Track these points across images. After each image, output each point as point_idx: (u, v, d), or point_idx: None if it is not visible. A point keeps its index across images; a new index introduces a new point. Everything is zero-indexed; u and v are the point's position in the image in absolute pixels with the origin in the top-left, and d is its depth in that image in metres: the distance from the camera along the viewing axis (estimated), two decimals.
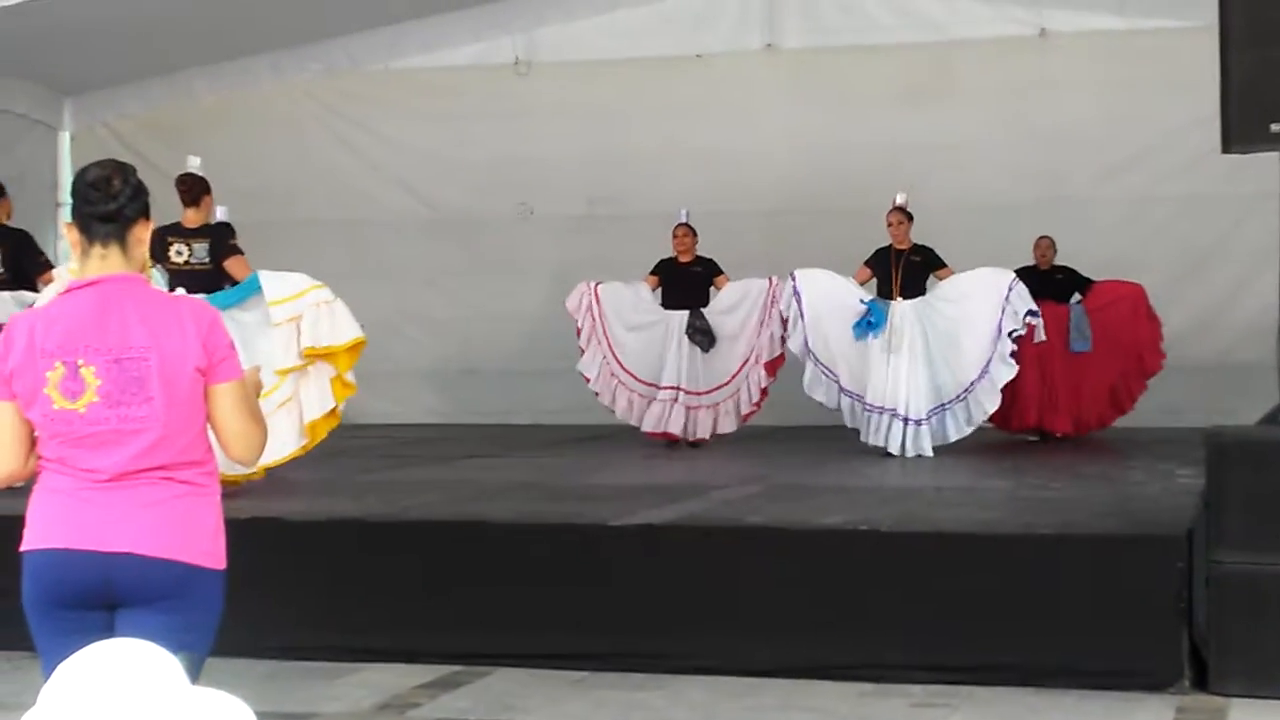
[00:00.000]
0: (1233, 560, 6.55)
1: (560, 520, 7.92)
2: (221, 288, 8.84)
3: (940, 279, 11.01)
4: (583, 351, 11.64)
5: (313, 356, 8.63)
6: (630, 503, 8.38)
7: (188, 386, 3.55)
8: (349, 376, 8.79)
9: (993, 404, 10.72)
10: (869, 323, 10.71)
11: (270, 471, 8.69)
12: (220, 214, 10.52)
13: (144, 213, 3.67)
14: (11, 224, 10.03)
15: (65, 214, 14.62)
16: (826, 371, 10.87)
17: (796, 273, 10.98)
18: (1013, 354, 10.64)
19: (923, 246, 11.00)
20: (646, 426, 11.56)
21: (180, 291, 8.29)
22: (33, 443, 3.60)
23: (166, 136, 14.38)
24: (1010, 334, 10.60)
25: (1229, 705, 6.40)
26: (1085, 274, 12.00)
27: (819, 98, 13.48)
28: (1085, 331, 11.74)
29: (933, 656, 6.78)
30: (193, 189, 9.10)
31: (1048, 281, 11.77)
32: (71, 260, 3.68)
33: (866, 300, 10.87)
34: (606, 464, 10.27)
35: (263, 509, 8.00)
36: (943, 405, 10.66)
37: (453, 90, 14.20)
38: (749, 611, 7.06)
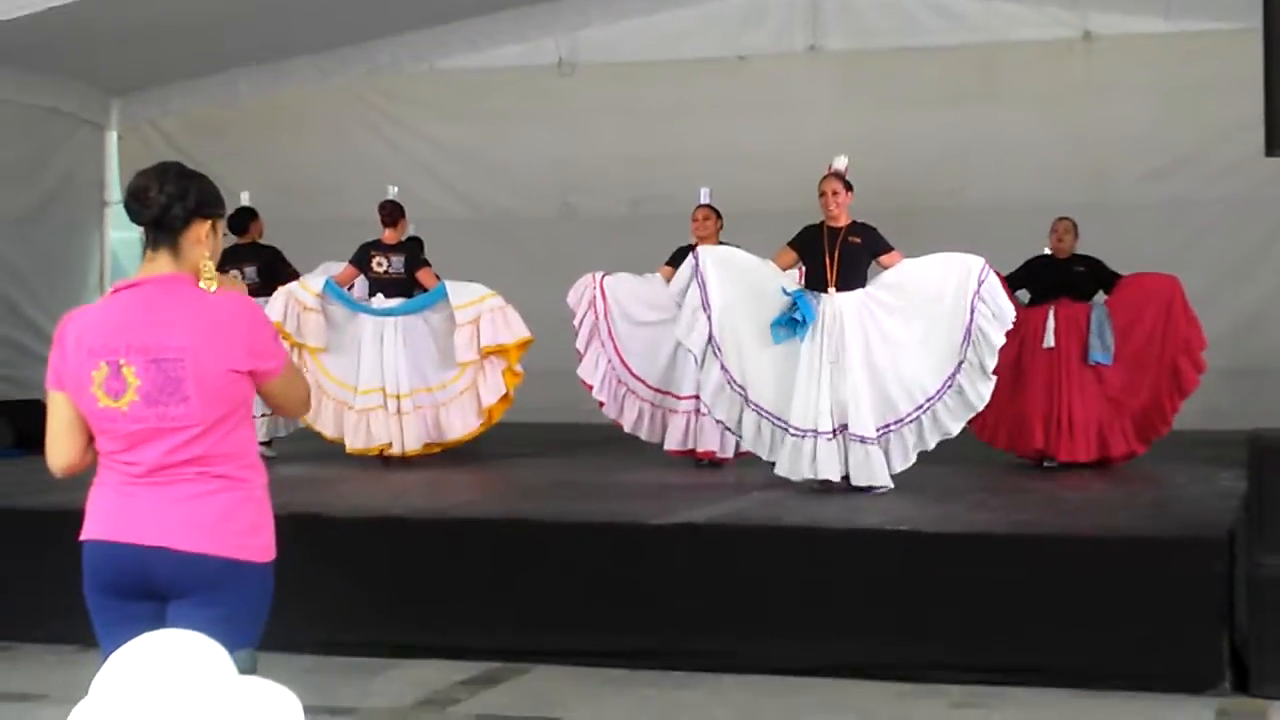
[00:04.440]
0: (1274, 563, 6.54)
1: (601, 519, 7.96)
2: (413, 293, 10.52)
3: (885, 266, 8.90)
4: (580, 355, 10.44)
5: (488, 352, 10.29)
6: (670, 502, 8.42)
7: (224, 385, 3.60)
8: (518, 367, 10.40)
9: (957, 425, 8.69)
10: (794, 320, 8.65)
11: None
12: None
13: (198, 212, 3.69)
14: (262, 241, 11.34)
15: (111, 213, 14.77)
16: (732, 381, 8.78)
17: (701, 250, 9.12)
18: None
19: (863, 225, 8.95)
20: (670, 444, 10.24)
21: (380, 296, 10.52)
22: (91, 434, 3.66)
23: (212, 136, 14.50)
24: (994, 344, 8.60)
25: (1270, 707, 6.40)
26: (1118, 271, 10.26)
27: (862, 100, 13.46)
28: (1107, 340, 9.86)
29: (971, 657, 6.80)
30: (392, 213, 10.65)
31: (1066, 274, 10.11)
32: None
33: (791, 291, 8.80)
34: (647, 462, 10.24)
35: (305, 504, 8.08)
36: (888, 425, 8.63)
37: (496, 91, 14.25)
38: (789, 611, 7.08)
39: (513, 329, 10.31)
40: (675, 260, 10.16)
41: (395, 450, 10.33)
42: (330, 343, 10.45)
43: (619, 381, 10.37)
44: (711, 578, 7.24)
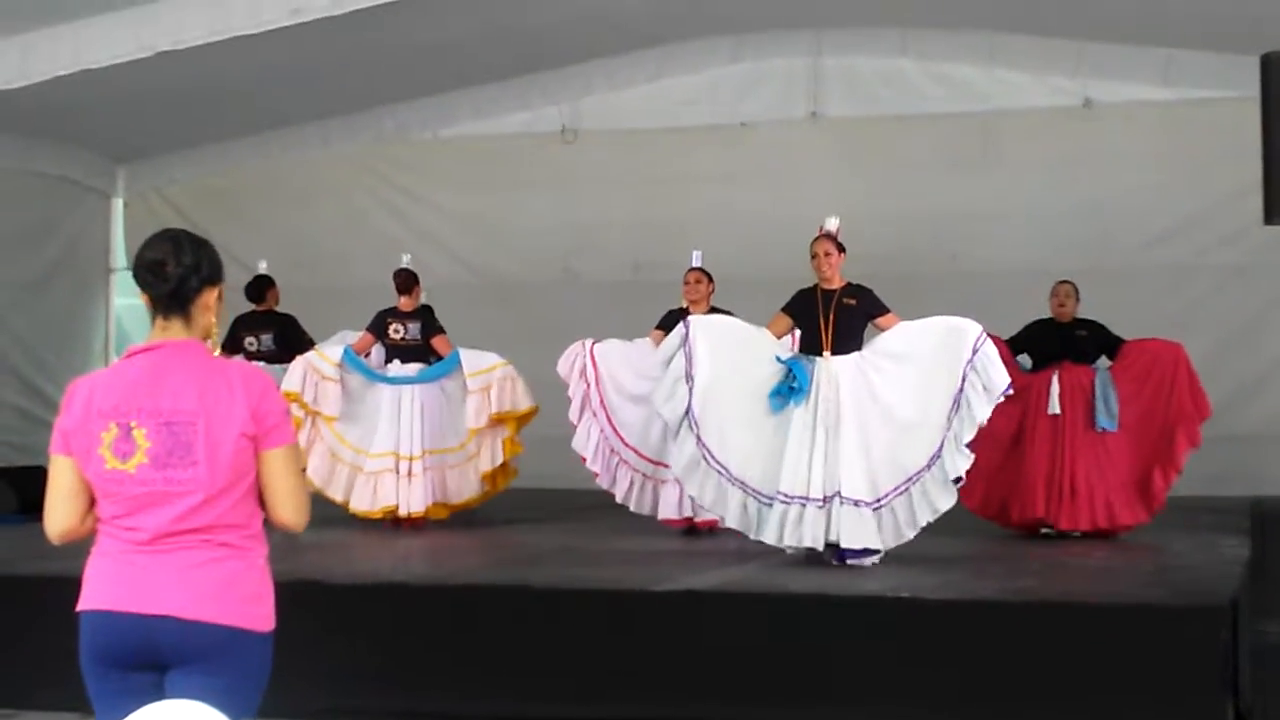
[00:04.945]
0: (1278, 630, 6.52)
1: (604, 586, 7.94)
2: (428, 359, 10.71)
3: (882, 328, 8.63)
4: (574, 426, 10.19)
5: (496, 420, 10.49)
6: (672, 569, 8.40)
7: (232, 451, 3.61)
8: (517, 438, 10.59)
9: (946, 502, 8.28)
10: (791, 389, 8.39)
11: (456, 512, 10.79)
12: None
13: (208, 282, 3.71)
14: (278, 309, 11.57)
15: (117, 280, 14.84)
16: (709, 455, 8.42)
17: (692, 319, 8.77)
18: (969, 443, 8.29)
19: (859, 286, 8.72)
20: (665, 513, 10.05)
21: (396, 362, 10.70)
22: (91, 501, 3.66)
23: (217, 203, 14.59)
24: (976, 419, 8.24)
25: None
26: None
27: (863, 166, 13.54)
28: (1112, 407, 9.59)
29: None
30: (406, 281, 10.83)
31: (1068, 338, 9.92)
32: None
33: (784, 359, 8.56)
34: (649, 529, 10.21)
35: (307, 570, 8.06)
36: (879, 498, 8.32)
37: (500, 158, 14.35)
38: (790, 677, 7.05)
39: (520, 398, 10.56)
40: (666, 324, 9.99)
41: (402, 511, 10.44)
42: (346, 411, 10.59)
43: (612, 451, 10.15)
44: (714, 645, 7.22)
